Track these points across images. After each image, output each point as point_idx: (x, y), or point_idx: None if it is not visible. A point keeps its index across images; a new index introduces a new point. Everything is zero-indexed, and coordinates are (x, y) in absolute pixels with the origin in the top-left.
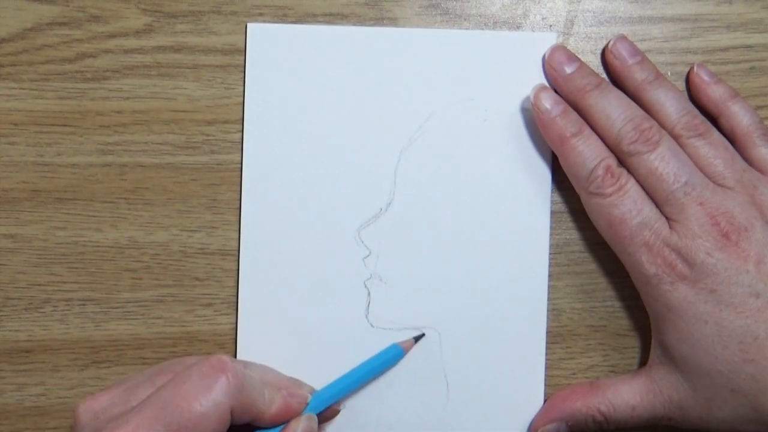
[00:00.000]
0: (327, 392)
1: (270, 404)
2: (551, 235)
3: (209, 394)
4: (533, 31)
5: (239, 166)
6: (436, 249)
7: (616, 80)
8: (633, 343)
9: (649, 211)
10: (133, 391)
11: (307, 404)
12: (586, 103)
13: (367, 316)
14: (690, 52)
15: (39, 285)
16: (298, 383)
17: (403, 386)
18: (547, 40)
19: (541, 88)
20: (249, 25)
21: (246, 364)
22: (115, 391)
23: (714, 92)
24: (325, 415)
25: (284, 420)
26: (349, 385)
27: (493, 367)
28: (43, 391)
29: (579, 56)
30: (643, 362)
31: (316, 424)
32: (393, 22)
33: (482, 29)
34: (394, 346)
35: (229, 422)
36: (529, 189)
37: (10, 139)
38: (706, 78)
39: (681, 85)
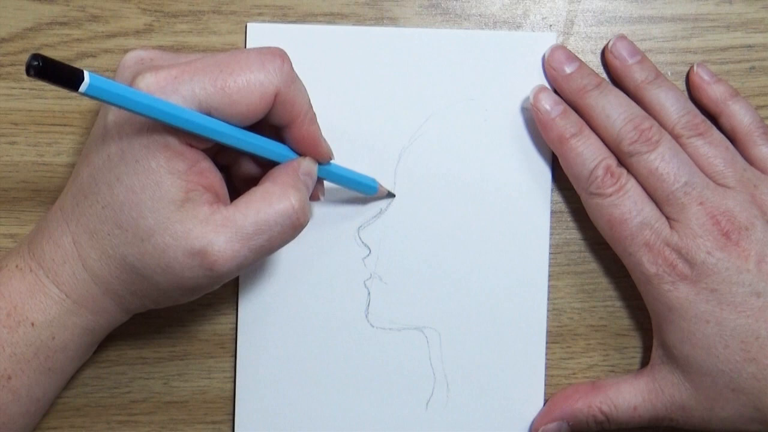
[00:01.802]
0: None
1: (310, 120)
2: (551, 235)
3: (261, 69)
4: (533, 31)
5: None
6: (436, 249)
7: (616, 80)
8: (633, 342)
9: (649, 211)
10: (185, 57)
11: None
12: (586, 103)
13: (367, 316)
14: (690, 52)
15: None
16: None
17: (404, 386)
18: (547, 40)
19: (540, 89)
20: (249, 25)
21: None
22: (167, 52)
23: (714, 91)
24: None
25: (306, 148)
26: (338, 176)
27: (493, 367)
28: None
29: (579, 56)
30: (644, 362)
31: (316, 173)
32: (393, 21)
33: (482, 29)
34: (373, 180)
35: (270, 106)
36: (529, 189)
37: (10, 139)
38: (706, 77)
39: (681, 84)
